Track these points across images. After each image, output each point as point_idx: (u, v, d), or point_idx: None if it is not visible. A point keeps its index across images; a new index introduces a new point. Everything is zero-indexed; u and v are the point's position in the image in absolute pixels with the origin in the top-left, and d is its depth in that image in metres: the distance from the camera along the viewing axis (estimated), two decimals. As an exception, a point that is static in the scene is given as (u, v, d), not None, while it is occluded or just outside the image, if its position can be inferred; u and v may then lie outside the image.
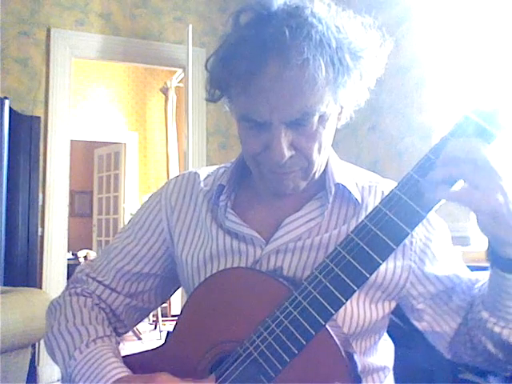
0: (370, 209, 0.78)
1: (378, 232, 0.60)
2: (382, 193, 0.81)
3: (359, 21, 0.72)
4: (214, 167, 0.93)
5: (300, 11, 0.68)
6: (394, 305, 0.80)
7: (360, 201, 0.79)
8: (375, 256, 0.60)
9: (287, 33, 0.64)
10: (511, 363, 0.72)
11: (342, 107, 0.76)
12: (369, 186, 0.82)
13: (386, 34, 0.75)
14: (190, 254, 0.84)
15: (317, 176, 0.78)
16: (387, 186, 0.83)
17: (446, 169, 0.56)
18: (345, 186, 0.78)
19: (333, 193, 0.77)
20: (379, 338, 0.83)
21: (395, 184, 0.83)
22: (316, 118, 0.69)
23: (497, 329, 0.67)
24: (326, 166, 0.80)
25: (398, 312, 0.86)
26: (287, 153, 0.69)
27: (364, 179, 0.83)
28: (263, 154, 0.72)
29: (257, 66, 0.65)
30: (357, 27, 0.71)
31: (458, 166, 0.56)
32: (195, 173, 0.91)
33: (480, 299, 0.71)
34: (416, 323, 0.80)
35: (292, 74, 0.65)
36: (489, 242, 0.63)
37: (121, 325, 0.87)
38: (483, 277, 0.76)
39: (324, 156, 0.76)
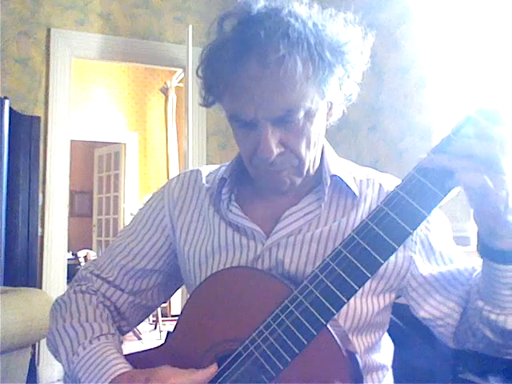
0: (368, 201, 0.80)
1: (380, 232, 0.60)
2: (380, 185, 0.82)
3: (341, 17, 0.74)
4: (216, 166, 0.94)
5: (277, 12, 0.70)
6: (393, 296, 0.81)
7: (357, 193, 0.80)
8: (377, 256, 0.60)
9: (262, 34, 0.67)
10: (511, 348, 0.73)
11: (331, 103, 0.77)
12: (367, 180, 0.83)
13: (366, 28, 0.76)
14: (192, 249, 0.85)
15: (312, 171, 0.80)
16: (385, 179, 0.84)
17: (463, 143, 0.56)
18: (341, 178, 0.79)
19: (328, 184, 0.78)
20: (383, 334, 0.84)
21: (393, 178, 0.85)
22: (301, 115, 0.71)
23: (492, 316, 0.68)
24: (322, 160, 0.81)
25: (398, 312, 0.86)
26: (275, 150, 0.71)
27: (362, 173, 0.85)
28: (256, 154, 0.73)
29: (237, 66, 0.69)
30: (337, 23, 0.73)
31: (474, 144, 0.56)
32: (197, 170, 0.93)
33: (475, 288, 0.73)
34: (420, 317, 0.80)
35: (270, 72, 0.68)
36: (479, 235, 0.65)
37: (125, 323, 0.88)
38: (479, 264, 0.77)
39: (314, 152, 0.77)
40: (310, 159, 0.77)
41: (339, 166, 0.82)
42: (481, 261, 0.68)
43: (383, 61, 2.46)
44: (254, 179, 0.82)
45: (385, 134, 2.54)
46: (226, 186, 0.83)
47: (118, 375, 0.71)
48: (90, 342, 0.76)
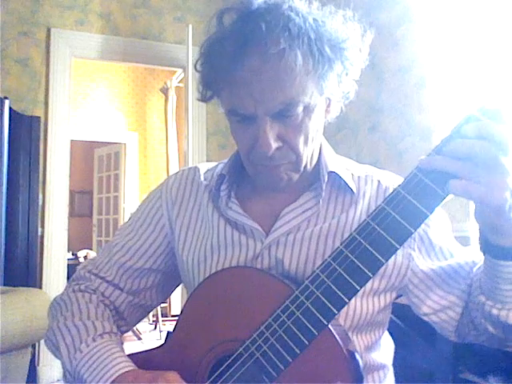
0: (367, 198, 0.80)
1: (382, 231, 0.60)
2: (379, 182, 0.82)
3: (340, 14, 0.74)
4: (214, 163, 0.94)
5: (278, 7, 0.70)
6: (394, 295, 0.81)
7: (355, 190, 0.80)
8: (378, 256, 0.60)
9: (264, 27, 0.67)
10: None
11: (329, 99, 0.78)
12: (365, 176, 0.83)
13: (365, 26, 0.76)
14: (191, 248, 0.85)
15: (309, 168, 0.80)
16: (384, 176, 0.84)
17: (460, 144, 0.56)
18: (339, 175, 0.79)
19: (326, 180, 0.78)
20: (383, 332, 0.84)
21: (392, 175, 0.85)
22: (300, 109, 0.71)
23: (494, 311, 0.69)
24: (320, 157, 0.81)
25: (398, 312, 0.86)
26: (274, 144, 0.71)
27: (360, 170, 0.85)
28: (254, 149, 0.73)
29: (237, 59, 0.68)
30: (337, 20, 0.73)
31: (473, 144, 0.55)
32: (195, 167, 0.93)
33: (477, 283, 0.72)
34: (422, 313, 0.80)
35: (270, 66, 0.68)
36: (480, 231, 0.65)
37: (123, 323, 0.88)
38: (480, 258, 0.77)
39: (311, 148, 0.77)
40: (308, 155, 0.77)
41: (337, 163, 0.82)
42: (481, 255, 0.68)
43: (383, 61, 2.46)
44: (252, 176, 0.81)
45: (385, 134, 2.54)
46: (225, 183, 0.83)
47: (123, 373, 0.70)
48: (94, 340, 0.75)
